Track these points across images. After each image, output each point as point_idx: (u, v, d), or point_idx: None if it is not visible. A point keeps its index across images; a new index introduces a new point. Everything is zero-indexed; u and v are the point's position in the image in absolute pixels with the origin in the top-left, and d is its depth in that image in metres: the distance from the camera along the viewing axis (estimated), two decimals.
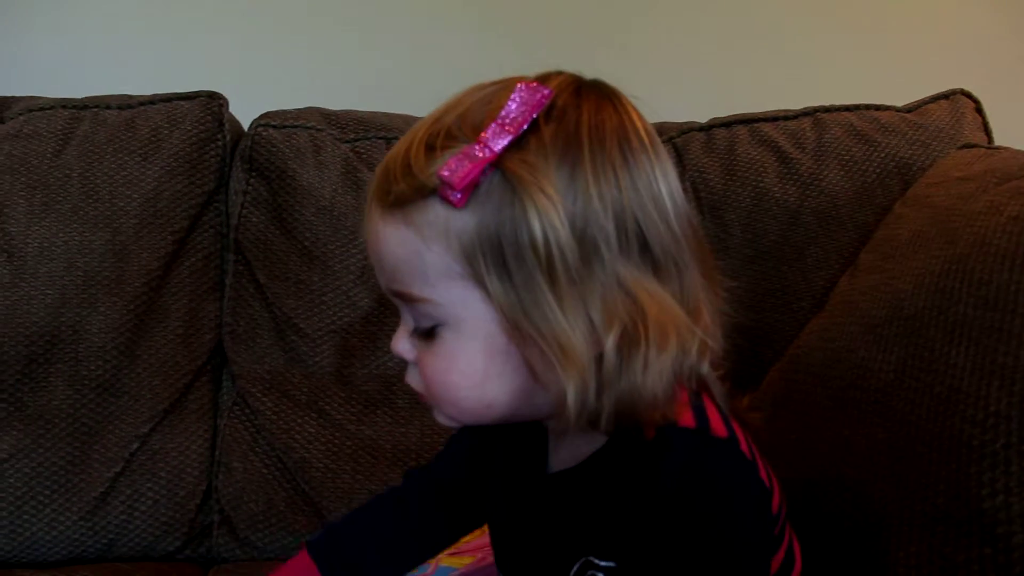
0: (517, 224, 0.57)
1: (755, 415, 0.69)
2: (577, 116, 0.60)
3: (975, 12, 1.64)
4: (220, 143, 1.23)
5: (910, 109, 1.29)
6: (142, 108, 1.22)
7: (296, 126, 1.23)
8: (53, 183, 1.18)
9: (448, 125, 0.60)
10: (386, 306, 1.21)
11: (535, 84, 0.59)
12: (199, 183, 1.21)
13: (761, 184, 1.24)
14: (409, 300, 0.61)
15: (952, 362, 0.81)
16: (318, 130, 1.24)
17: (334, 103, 1.33)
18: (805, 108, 1.31)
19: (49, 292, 1.14)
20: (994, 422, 0.74)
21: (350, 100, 1.34)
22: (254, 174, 1.22)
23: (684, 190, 1.26)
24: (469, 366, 0.61)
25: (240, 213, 1.21)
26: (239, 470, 1.16)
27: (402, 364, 0.67)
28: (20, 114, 1.24)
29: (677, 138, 1.30)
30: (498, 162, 0.57)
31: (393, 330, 1.19)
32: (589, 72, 0.65)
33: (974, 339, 0.80)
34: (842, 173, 1.23)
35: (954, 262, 0.88)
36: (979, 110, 1.31)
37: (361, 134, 1.26)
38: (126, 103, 1.23)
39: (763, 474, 0.65)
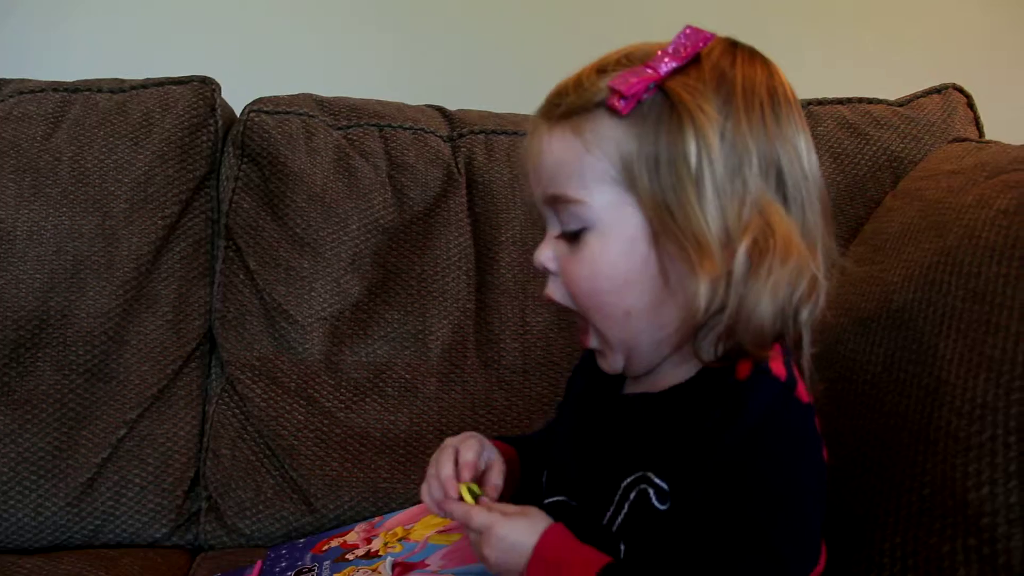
0: (673, 135, 0.64)
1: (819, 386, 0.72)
2: (732, 60, 0.68)
3: (967, 6, 1.64)
4: (212, 128, 1.22)
5: (902, 103, 1.29)
6: (134, 92, 1.22)
7: (289, 112, 1.23)
8: (43, 166, 1.17)
9: (616, 58, 0.69)
10: (376, 294, 1.21)
11: (698, 28, 0.68)
12: (190, 168, 1.20)
13: None
14: (563, 201, 0.68)
15: (940, 354, 0.81)
16: (310, 116, 1.24)
17: (327, 90, 1.32)
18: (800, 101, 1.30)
19: (38, 276, 1.14)
20: (980, 414, 0.74)
21: (343, 87, 1.34)
22: (246, 160, 1.21)
23: None
24: (612, 268, 0.67)
25: (231, 199, 1.21)
26: (227, 457, 1.16)
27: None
28: (10, 96, 1.23)
29: None
30: (662, 83, 0.65)
31: (383, 319, 1.21)
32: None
33: (962, 331, 0.80)
34: (834, 166, 1.23)
35: (943, 255, 0.88)
36: (970, 104, 1.31)
37: (354, 121, 1.25)
38: (118, 87, 1.23)
39: (824, 450, 0.68)
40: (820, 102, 1.30)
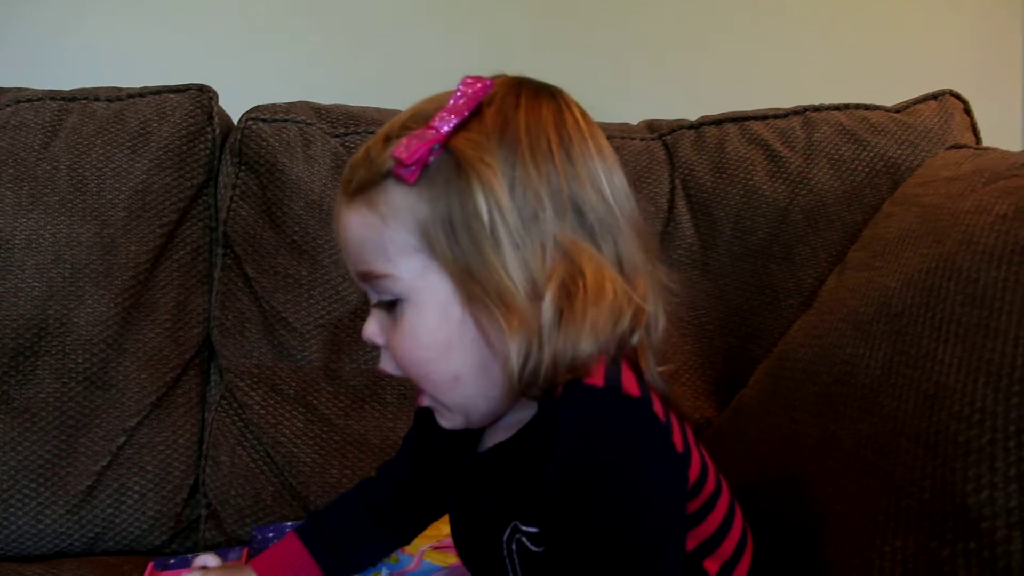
0: (463, 194, 0.63)
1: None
2: (516, 102, 0.66)
3: (963, 13, 1.65)
4: (209, 136, 1.22)
5: (899, 109, 1.30)
6: (131, 100, 1.22)
7: (286, 120, 1.23)
8: (41, 175, 1.18)
9: (403, 120, 0.67)
10: None
11: (477, 76, 0.66)
12: (188, 176, 1.21)
13: (750, 182, 1.24)
14: (372, 278, 0.67)
15: (939, 359, 0.81)
16: (308, 124, 1.24)
17: (324, 98, 1.32)
18: (795, 107, 1.31)
19: (36, 284, 1.14)
20: (980, 418, 0.74)
21: (340, 95, 1.34)
22: (243, 168, 1.21)
23: (673, 187, 1.28)
24: (431, 337, 0.65)
25: (229, 207, 1.21)
26: (226, 464, 1.16)
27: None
28: (7, 105, 1.23)
29: (667, 136, 1.31)
30: (445, 142, 0.64)
31: None
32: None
33: (961, 336, 0.81)
34: (831, 172, 1.23)
35: (942, 260, 0.88)
36: (967, 111, 1.31)
37: (351, 128, 1.26)
38: (115, 95, 1.23)
39: (677, 439, 0.65)
40: (817, 108, 1.30)
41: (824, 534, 0.82)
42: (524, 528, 0.66)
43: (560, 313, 0.63)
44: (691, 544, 0.67)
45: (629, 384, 0.63)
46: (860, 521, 0.80)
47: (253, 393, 1.17)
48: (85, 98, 1.22)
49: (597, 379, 0.63)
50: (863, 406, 0.87)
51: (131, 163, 1.18)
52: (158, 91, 1.24)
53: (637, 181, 1.26)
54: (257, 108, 1.25)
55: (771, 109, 1.32)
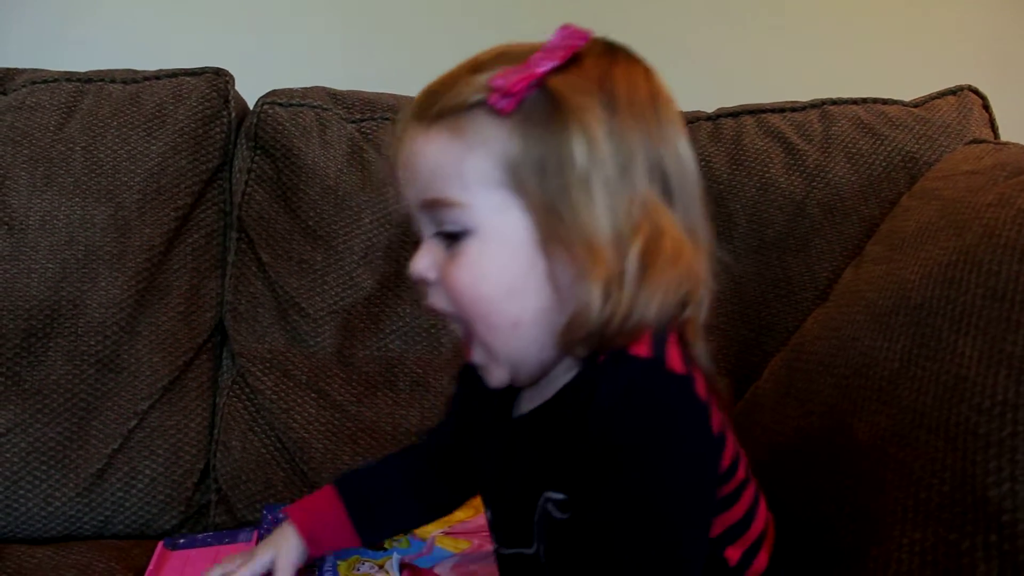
0: (559, 135, 0.61)
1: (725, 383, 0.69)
2: (612, 57, 0.66)
3: (981, 7, 1.64)
4: (225, 120, 1.22)
5: (917, 104, 1.29)
6: (147, 83, 1.22)
7: (302, 104, 1.23)
8: (56, 156, 1.17)
9: (491, 56, 0.65)
10: (389, 288, 1.20)
11: (576, 27, 0.66)
12: (203, 160, 1.20)
13: (767, 175, 1.23)
14: (441, 206, 0.64)
15: (959, 351, 0.81)
16: (324, 109, 1.23)
17: (339, 84, 1.32)
18: (812, 100, 1.31)
19: (50, 266, 1.14)
20: (1001, 411, 0.74)
21: (355, 81, 1.34)
22: (259, 152, 1.21)
23: None
24: (497, 275, 0.63)
25: (244, 191, 1.21)
26: (237, 449, 1.15)
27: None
28: (23, 86, 1.23)
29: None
30: (543, 81, 0.62)
31: (395, 313, 1.21)
32: None
33: (982, 329, 0.80)
34: (848, 166, 1.22)
35: (962, 253, 0.88)
36: (986, 106, 1.31)
37: (367, 114, 1.25)
38: (131, 77, 1.22)
39: (715, 422, 0.64)
40: (835, 102, 1.29)
41: (841, 525, 0.82)
42: (551, 495, 0.64)
43: (643, 268, 0.62)
44: (716, 530, 0.67)
45: (673, 359, 0.63)
46: (878, 513, 0.79)
47: (265, 378, 1.17)
48: (101, 80, 1.22)
49: (642, 349, 0.62)
50: (881, 398, 0.87)
51: (146, 145, 1.18)
52: (174, 74, 1.23)
53: None
54: (273, 92, 1.24)
55: (788, 102, 1.31)
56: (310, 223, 1.19)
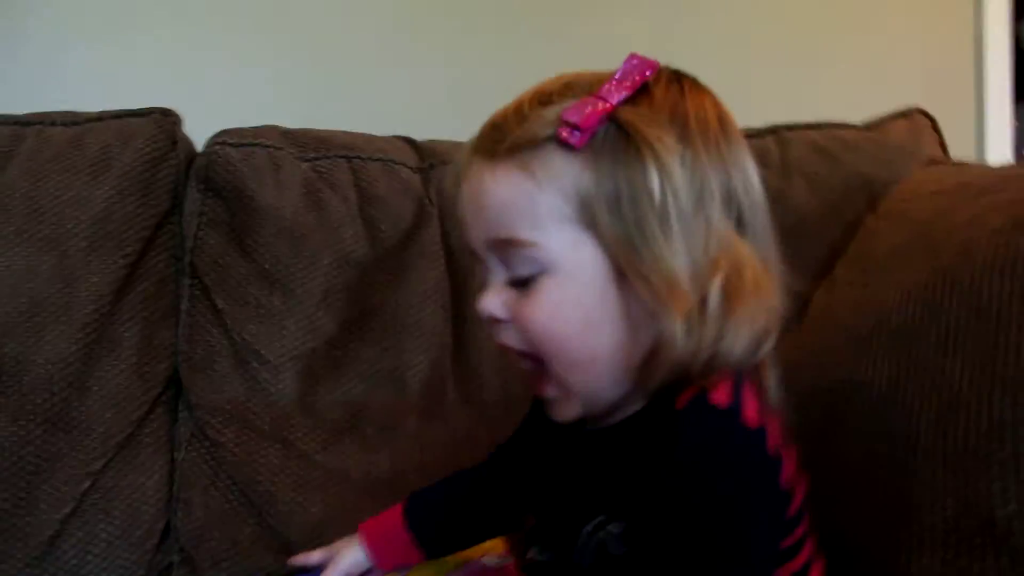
0: (633, 169, 0.61)
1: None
2: (680, 87, 0.65)
3: (914, 32, 1.68)
4: (174, 162, 1.17)
5: (870, 127, 1.31)
6: (90, 125, 1.16)
7: (254, 144, 1.18)
8: None
9: (556, 88, 0.65)
10: (351, 330, 1.16)
11: (643, 57, 0.65)
12: (152, 204, 1.15)
13: None
14: (514, 246, 0.63)
15: (948, 373, 0.80)
16: (277, 149, 1.19)
17: (285, 123, 1.28)
18: (768, 126, 1.31)
19: None
20: (1000, 431, 0.74)
21: (300, 121, 1.30)
22: (210, 194, 1.16)
23: None
24: (572, 312, 0.63)
25: (196, 235, 1.15)
26: (199, 506, 1.10)
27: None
28: None
29: None
30: (614, 114, 0.62)
31: (359, 357, 1.16)
32: None
33: (969, 350, 0.80)
34: (808, 189, 1.23)
35: (940, 273, 0.88)
36: (935, 128, 1.33)
37: (322, 152, 1.21)
38: (71, 120, 1.16)
39: (785, 475, 0.64)
40: (790, 127, 1.30)
41: (847, 558, 0.80)
42: (610, 528, 0.64)
43: (726, 302, 0.61)
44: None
45: (749, 410, 0.62)
46: (882, 542, 0.78)
47: (225, 430, 1.11)
48: (40, 123, 1.15)
49: (721, 397, 0.62)
50: (871, 424, 0.86)
51: (91, 190, 1.12)
52: (118, 115, 1.18)
53: None
54: (224, 132, 1.20)
55: (744, 128, 1.31)
56: (266, 266, 1.15)
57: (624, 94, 0.63)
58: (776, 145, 1.28)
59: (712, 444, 0.61)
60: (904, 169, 1.23)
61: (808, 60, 1.69)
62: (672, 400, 0.63)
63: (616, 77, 0.63)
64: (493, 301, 0.66)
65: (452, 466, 1.13)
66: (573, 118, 0.61)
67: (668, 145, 0.61)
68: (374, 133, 1.29)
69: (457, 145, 1.27)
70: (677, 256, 0.61)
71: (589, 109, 0.61)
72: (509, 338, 0.67)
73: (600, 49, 1.56)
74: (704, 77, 0.69)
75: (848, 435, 0.88)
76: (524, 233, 0.63)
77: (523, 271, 0.64)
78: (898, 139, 1.29)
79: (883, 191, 1.20)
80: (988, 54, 1.65)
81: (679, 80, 0.66)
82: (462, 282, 1.21)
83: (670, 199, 0.61)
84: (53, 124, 1.16)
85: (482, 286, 0.68)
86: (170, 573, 1.09)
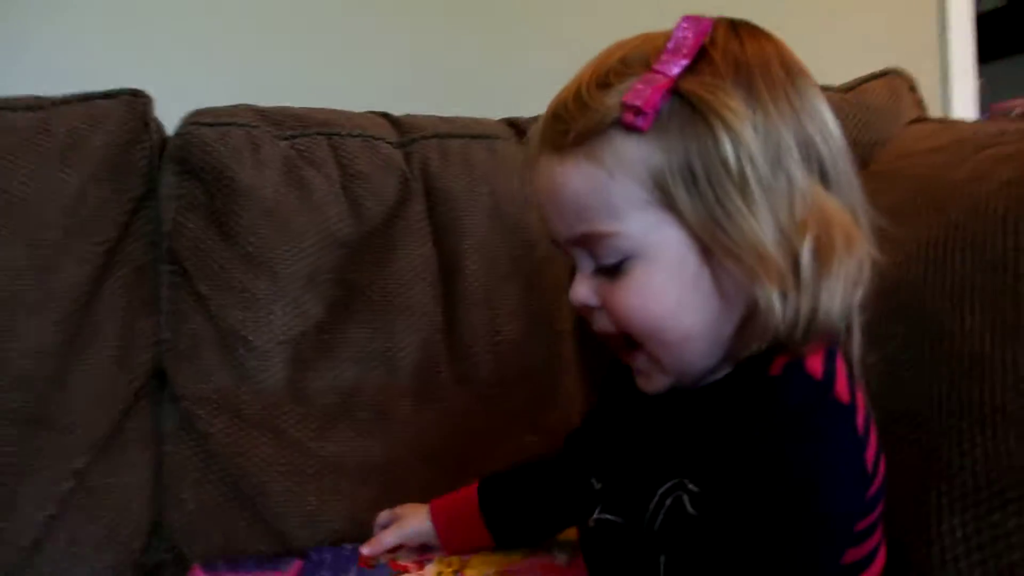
0: (704, 141, 0.59)
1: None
2: (739, 43, 0.63)
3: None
4: (147, 144, 1.12)
5: (847, 89, 1.30)
6: (55, 109, 1.10)
7: (231, 124, 1.13)
8: None
9: (613, 65, 0.62)
10: (339, 313, 1.13)
11: (696, 16, 0.63)
12: (126, 189, 1.10)
13: None
14: (596, 238, 0.62)
15: (968, 328, 0.80)
16: (254, 127, 1.14)
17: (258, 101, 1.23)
18: None
19: None
20: None
21: (269, 100, 1.25)
22: (187, 177, 1.11)
23: None
24: (665, 294, 0.62)
25: (174, 219, 1.11)
26: (190, 501, 1.06)
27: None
28: None
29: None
30: (675, 87, 0.60)
31: (348, 339, 1.13)
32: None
33: (986, 304, 0.79)
34: None
35: (949, 229, 0.87)
36: (913, 88, 1.32)
37: (300, 130, 1.17)
38: (36, 104, 1.10)
39: (869, 454, 0.63)
40: None
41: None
42: (690, 486, 0.63)
43: (820, 264, 0.60)
44: (848, 559, 0.65)
45: (840, 384, 0.62)
46: (910, 502, 0.77)
47: (214, 421, 1.07)
48: (3, 108, 1.09)
49: (816, 366, 0.62)
50: (887, 382, 0.85)
51: (62, 177, 1.06)
52: (86, 97, 1.12)
53: None
54: (198, 112, 1.14)
55: None
56: (250, 249, 1.10)
57: (683, 63, 0.60)
58: None
59: (806, 414, 0.60)
60: (886, 130, 1.22)
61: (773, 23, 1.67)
62: (764, 366, 0.62)
63: (670, 46, 0.61)
64: (583, 291, 0.65)
65: (450, 450, 1.11)
66: (636, 101, 0.59)
67: (736, 110, 0.59)
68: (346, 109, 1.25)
69: (440, 120, 1.26)
70: (763, 225, 0.59)
71: (650, 89, 0.59)
72: (603, 323, 0.66)
73: (572, 16, 1.54)
74: None
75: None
76: (604, 225, 0.62)
77: (609, 260, 0.63)
78: (877, 101, 1.27)
79: (868, 152, 1.19)
80: (951, 15, 1.65)
81: (736, 32, 0.63)
82: (450, 259, 1.17)
83: (747, 166, 0.59)
84: (15, 109, 1.09)
85: (570, 274, 0.67)
86: (160, 573, 1.04)
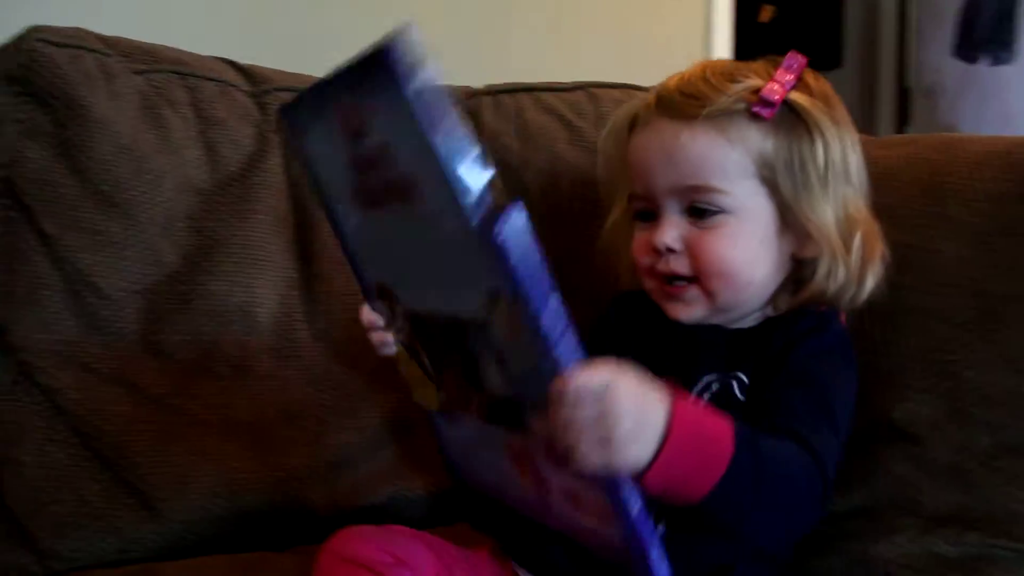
0: (803, 140, 0.80)
1: None
2: (820, 82, 0.85)
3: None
4: None
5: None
6: None
7: (80, 47, 1.02)
8: None
9: (731, 67, 0.84)
10: (197, 263, 1.05)
11: (797, 54, 0.83)
12: None
13: (554, 149, 1.29)
14: (704, 191, 0.80)
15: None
16: (104, 55, 1.04)
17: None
18: (576, 83, 1.39)
19: None
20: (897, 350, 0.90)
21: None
22: (29, 100, 0.98)
23: (484, 151, 1.29)
24: (747, 246, 0.81)
25: (15, 148, 0.97)
26: (32, 465, 0.94)
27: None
28: None
29: (468, 101, 1.31)
30: (789, 97, 0.81)
31: (206, 291, 1.08)
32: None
33: None
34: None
35: None
36: None
37: (153, 66, 1.08)
38: None
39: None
40: (596, 85, 1.39)
41: None
42: (740, 376, 0.79)
43: (866, 253, 0.82)
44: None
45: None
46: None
47: (60, 375, 0.96)
48: None
49: (843, 319, 0.85)
50: None
51: None
52: None
53: None
54: (38, 29, 1.00)
55: (555, 83, 1.38)
56: (104, 188, 1.00)
57: (795, 79, 0.81)
58: (587, 100, 1.36)
59: (842, 341, 0.83)
60: None
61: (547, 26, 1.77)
62: (808, 308, 0.83)
63: (784, 66, 0.82)
64: (671, 234, 0.81)
65: (314, 406, 1.09)
66: (771, 96, 0.79)
67: (827, 126, 0.80)
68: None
69: (286, 74, 1.21)
70: (831, 211, 0.81)
71: (779, 91, 0.80)
72: (678, 265, 0.81)
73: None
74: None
75: None
76: (716, 181, 0.80)
77: (710, 210, 0.80)
78: None
79: None
80: (715, 30, 1.84)
81: (814, 73, 0.85)
82: (307, 216, 1.14)
83: (829, 167, 0.80)
84: None
85: (655, 223, 0.83)
86: None
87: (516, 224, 0.56)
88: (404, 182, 0.63)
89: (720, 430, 0.65)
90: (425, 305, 0.75)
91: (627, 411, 0.58)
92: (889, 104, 3.11)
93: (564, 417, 0.57)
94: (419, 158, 0.57)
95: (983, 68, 2.68)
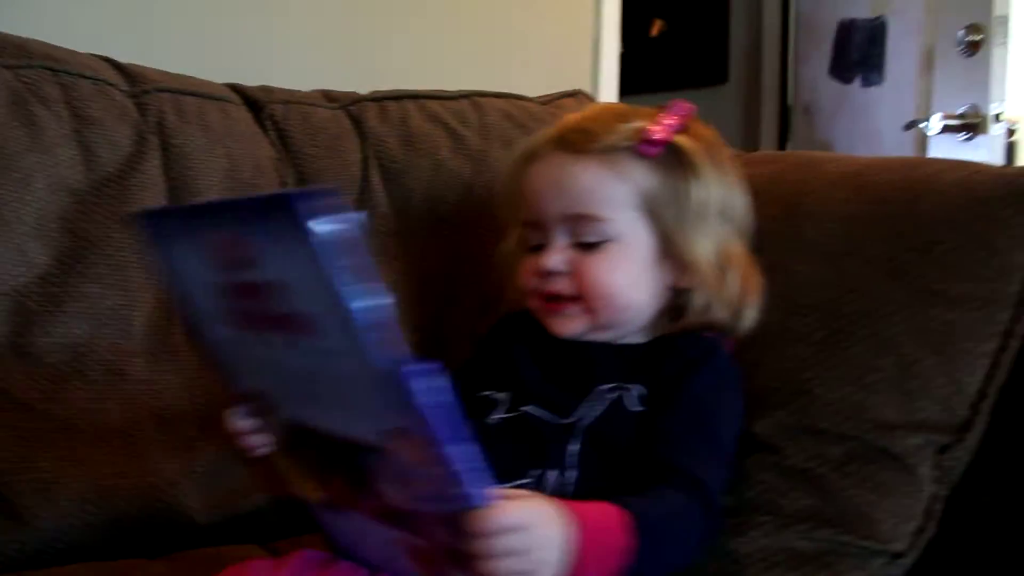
0: (682, 179, 0.89)
1: None
2: (703, 127, 0.95)
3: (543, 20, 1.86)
4: None
5: (544, 102, 1.47)
6: None
7: None
8: None
9: (622, 109, 0.95)
10: (68, 264, 1.04)
11: (682, 102, 0.93)
12: None
13: (437, 156, 1.31)
14: (590, 219, 0.88)
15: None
16: None
17: None
18: (460, 91, 1.41)
19: None
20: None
21: None
22: None
23: (366, 157, 1.31)
24: (628, 272, 0.89)
25: None
26: None
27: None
28: None
29: (351, 106, 1.32)
30: (674, 139, 0.89)
31: (79, 293, 1.08)
32: None
33: None
34: (505, 152, 1.36)
35: None
36: None
37: (24, 61, 1.05)
38: None
39: None
40: (480, 94, 1.42)
41: None
42: (635, 388, 0.85)
43: (743, 287, 0.90)
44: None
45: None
46: None
47: None
48: None
49: (728, 347, 0.92)
50: None
51: None
52: None
53: (330, 149, 1.27)
54: None
55: (440, 91, 1.40)
56: None
57: (680, 123, 0.91)
58: (472, 109, 1.39)
59: (728, 366, 0.90)
60: None
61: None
62: (697, 334, 0.91)
63: (670, 111, 0.91)
64: (557, 258, 0.88)
65: (188, 411, 1.08)
66: (654, 136, 0.88)
67: (707, 168, 0.89)
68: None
69: (167, 74, 1.20)
70: (708, 245, 0.89)
71: (662, 132, 0.89)
72: (562, 285, 0.89)
73: None
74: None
75: None
76: (601, 211, 0.88)
77: (592, 238, 0.88)
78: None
79: None
80: (604, 42, 1.87)
81: (703, 123, 0.95)
82: None
83: (705, 205, 0.89)
84: None
85: (542, 248, 0.90)
86: None
87: (435, 385, 0.55)
88: (299, 318, 0.60)
89: (613, 524, 0.69)
90: (312, 422, 0.71)
91: (547, 544, 0.62)
92: (771, 120, 3.22)
93: (483, 549, 0.59)
94: (320, 301, 0.56)
95: (856, 88, 2.82)
